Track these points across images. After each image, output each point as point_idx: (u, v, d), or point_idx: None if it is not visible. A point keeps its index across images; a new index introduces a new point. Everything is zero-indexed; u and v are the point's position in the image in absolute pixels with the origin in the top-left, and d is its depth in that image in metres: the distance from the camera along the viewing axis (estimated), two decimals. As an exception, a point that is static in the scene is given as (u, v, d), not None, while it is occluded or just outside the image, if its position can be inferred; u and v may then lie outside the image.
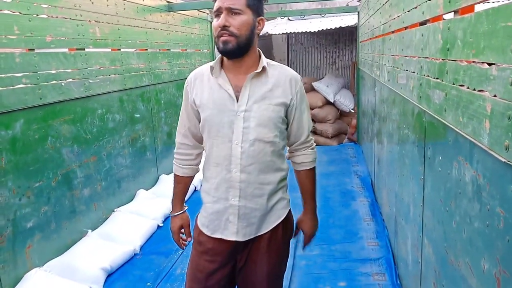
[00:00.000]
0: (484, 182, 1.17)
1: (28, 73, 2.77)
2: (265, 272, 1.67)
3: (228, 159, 1.54)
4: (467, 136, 1.27)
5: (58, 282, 2.72)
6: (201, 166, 1.75)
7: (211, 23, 7.17)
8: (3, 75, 2.57)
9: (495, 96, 1.05)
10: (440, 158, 1.65)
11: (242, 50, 1.48)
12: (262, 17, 1.53)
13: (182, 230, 1.82)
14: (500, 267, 1.07)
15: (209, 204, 1.63)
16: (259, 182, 1.57)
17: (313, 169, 1.76)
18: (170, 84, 5.21)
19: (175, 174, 1.79)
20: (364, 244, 3.37)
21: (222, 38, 1.45)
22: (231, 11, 1.44)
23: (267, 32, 8.18)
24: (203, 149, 1.74)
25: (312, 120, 7.88)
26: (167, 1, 5.12)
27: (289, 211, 1.72)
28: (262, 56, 1.57)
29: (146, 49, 4.59)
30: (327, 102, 8.12)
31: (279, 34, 8.60)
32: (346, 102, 8.00)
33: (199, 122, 1.63)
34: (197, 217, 1.73)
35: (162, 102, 4.97)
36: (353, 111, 7.77)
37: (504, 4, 1.00)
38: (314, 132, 8.05)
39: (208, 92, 1.56)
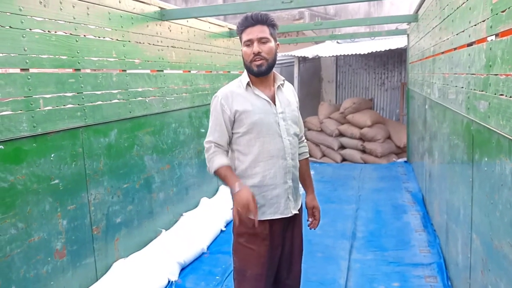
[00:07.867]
0: (521, 171, 1.44)
1: (121, 90, 3.28)
2: (300, 244, 2.16)
3: (282, 150, 1.97)
4: (506, 135, 1.54)
5: (140, 273, 3.13)
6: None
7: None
8: (104, 91, 3.08)
9: (526, 100, 1.34)
10: (486, 159, 1.91)
11: (270, 69, 1.95)
12: (278, 42, 1.99)
13: None
14: (534, 237, 1.33)
15: (267, 192, 1.97)
16: (297, 166, 2.08)
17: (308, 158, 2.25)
18: (230, 103, 5.65)
19: (218, 168, 2.01)
20: (416, 251, 3.56)
21: (256, 62, 1.89)
22: (260, 40, 1.88)
23: (317, 55, 8.50)
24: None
25: (361, 139, 8.16)
26: (229, 28, 5.62)
27: None
28: (274, 71, 2.02)
29: (211, 71, 5.07)
30: (377, 121, 8.29)
31: (328, 56, 8.94)
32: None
33: (228, 136, 2.00)
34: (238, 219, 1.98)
35: (223, 119, 5.40)
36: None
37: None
38: (363, 151, 8.21)
39: (249, 101, 1.94)
